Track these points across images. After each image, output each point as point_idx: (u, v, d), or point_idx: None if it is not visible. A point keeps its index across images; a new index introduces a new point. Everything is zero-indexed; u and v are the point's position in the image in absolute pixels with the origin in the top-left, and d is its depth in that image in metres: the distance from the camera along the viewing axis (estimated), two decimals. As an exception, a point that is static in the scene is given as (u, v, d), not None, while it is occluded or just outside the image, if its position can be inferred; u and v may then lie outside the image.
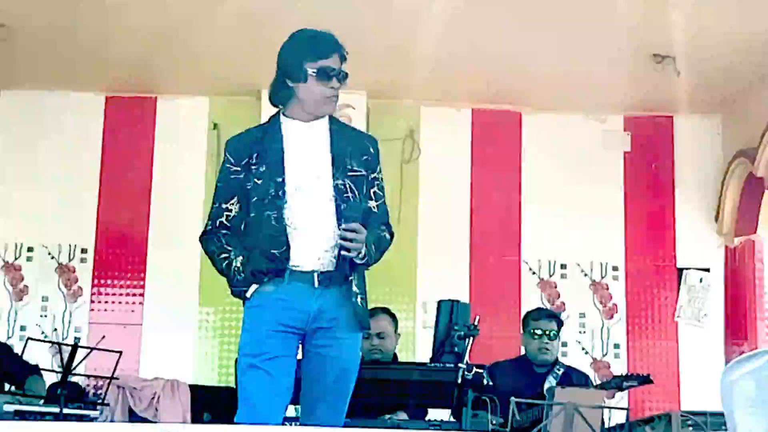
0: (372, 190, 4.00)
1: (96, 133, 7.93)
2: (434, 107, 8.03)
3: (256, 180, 3.89)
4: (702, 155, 8.07)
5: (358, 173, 3.95)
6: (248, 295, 3.89)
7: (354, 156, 3.97)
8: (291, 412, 4.46)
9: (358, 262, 3.87)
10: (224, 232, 3.98)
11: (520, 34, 6.75)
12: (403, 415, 5.72)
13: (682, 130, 8.14)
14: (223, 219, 3.98)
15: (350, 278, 3.88)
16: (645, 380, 6.03)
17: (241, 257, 3.91)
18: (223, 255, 3.95)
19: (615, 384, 6.02)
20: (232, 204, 3.96)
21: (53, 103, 7.88)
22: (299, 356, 3.95)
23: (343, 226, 3.81)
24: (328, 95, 3.93)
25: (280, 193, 3.86)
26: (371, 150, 4.03)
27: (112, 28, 6.75)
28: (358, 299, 3.92)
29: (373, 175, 4.01)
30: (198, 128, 7.93)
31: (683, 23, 6.50)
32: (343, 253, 3.82)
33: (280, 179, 3.87)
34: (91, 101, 7.93)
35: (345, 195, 3.89)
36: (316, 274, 3.86)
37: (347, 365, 3.93)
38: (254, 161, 3.92)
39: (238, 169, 3.94)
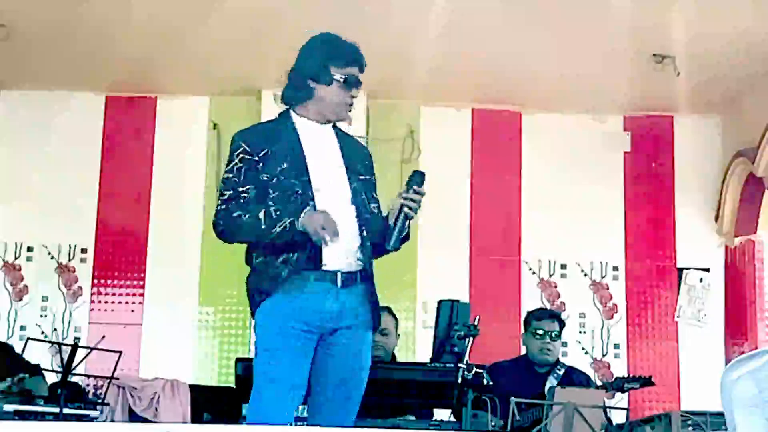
0: (372, 194, 4.07)
1: (96, 133, 7.93)
2: (434, 107, 8.03)
3: (279, 176, 3.88)
4: (702, 155, 8.07)
5: (365, 178, 4.02)
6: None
7: (359, 161, 4.05)
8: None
9: (391, 247, 3.93)
10: (239, 213, 3.87)
11: (520, 34, 6.75)
12: (410, 417, 5.72)
13: (682, 130, 8.14)
14: (240, 200, 3.89)
15: (371, 276, 3.93)
16: (647, 382, 6.03)
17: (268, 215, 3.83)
18: (251, 218, 3.83)
19: (617, 385, 6.03)
20: (246, 189, 3.90)
21: (53, 103, 7.88)
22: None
23: (414, 188, 3.86)
24: (348, 102, 4.00)
25: (309, 192, 3.87)
26: (370, 157, 4.14)
27: (112, 28, 6.75)
28: (377, 298, 3.97)
29: (372, 180, 4.09)
30: (198, 128, 7.93)
31: (683, 23, 6.50)
32: (405, 211, 3.86)
33: (306, 178, 3.89)
34: (91, 101, 7.93)
35: (360, 197, 3.97)
36: (339, 274, 3.87)
37: (361, 365, 3.94)
38: (272, 155, 3.90)
39: (256, 159, 3.90)
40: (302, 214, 3.79)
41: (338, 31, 4.08)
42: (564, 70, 7.28)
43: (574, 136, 8.07)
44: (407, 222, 3.91)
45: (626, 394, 7.30)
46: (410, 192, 3.87)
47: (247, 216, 3.85)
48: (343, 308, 3.87)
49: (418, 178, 3.91)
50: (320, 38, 4.05)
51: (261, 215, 3.82)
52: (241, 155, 3.93)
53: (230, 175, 3.93)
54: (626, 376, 6.28)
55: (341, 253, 3.87)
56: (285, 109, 4.06)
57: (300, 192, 3.86)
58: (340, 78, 3.95)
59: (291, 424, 3.93)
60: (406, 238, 4.01)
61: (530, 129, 8.11)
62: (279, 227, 3.81)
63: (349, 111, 4.05)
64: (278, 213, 3.81)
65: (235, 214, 3.87)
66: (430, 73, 7.26)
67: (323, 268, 3.85)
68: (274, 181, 3.87)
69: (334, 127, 4.07)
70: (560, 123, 8.07)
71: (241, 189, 3.90)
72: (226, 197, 3.92)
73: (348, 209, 3.93)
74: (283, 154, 3.90)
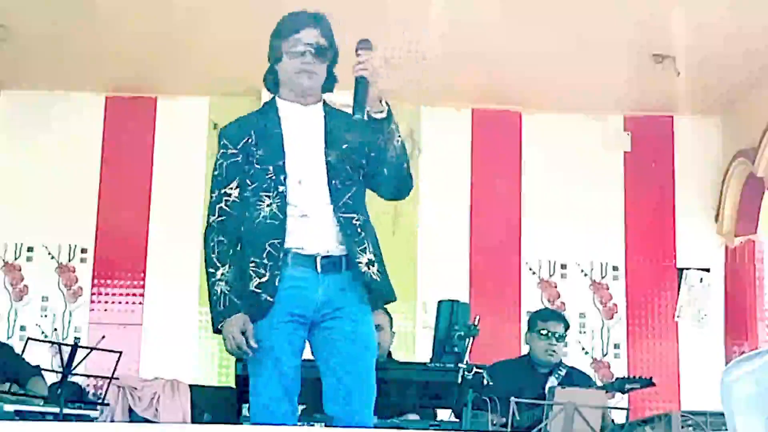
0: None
1: (96, 133, 7.93)
2: (434, 107, 8.03)
3: (255, 165, 3.81)
4: (702, 155, 8.08)
5: (355, 146, 3.87)
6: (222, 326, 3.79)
7: (348, 137, 3.88)
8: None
9: (377, 115, 3.80)
10: (223, 218, 3.85)
11: (520, 34, 6.75)
12: (411, 417, 5.71)
13: (682, 130, 8.14)
14: (223, 204, 3.87)
15: (357, 260, 3.77)
16: (647, 383, 6.03)
17: (225, 284, 3.76)
18: (211, 269, 3.81)
19: (617, 386, 6.03)
20: (231, 189, 3.86)
21: (53, 103, 7.88)
22: (308, 352, 3.85)
23: (358, 52, 3.77)
24: (299, 69, 3.86)
25: (282, 178, 3.77)
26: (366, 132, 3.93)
27: (112, 28, 6.75)
28: (372, 275, 3.81)
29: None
30: (198, 128, 7.93)
31: (683, 23, 6.50)
32: (361, 74, 3.74)
33: (281, 162, 3.80)
34: (91, 101, 7.93)
35: (340, 173, 3.82)
36: (318, 258, 3.76)
37: (364, 346, 3.78)
38: (253, 145, 3.84)
39: (235, 152, 3.86)
40: (224, 321, 3.75)
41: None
42: (564, 70, 7.28)
43: (574, 136, 8.07)
44: (367, 89, 3.76)
45: (626, 394, 7.30)
46: (357, 58, 3.76)
47: (210, 263, 3.81)
48: (327, 294, 3.75)
49: (360, 44, 3.79)
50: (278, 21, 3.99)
51: (210, 281, 3.78)
52: (222, 151, 3.91)
53: (217, 173, 3.92)
54: (627, 377, 6.29)
55: (318, 236, 3.77)
56: (272, 96, 4.00)
57: (273, 177, 3.78)
58: (286, 49, 3.88)
59: (295, 422, 3.83)
60: (404, 180, 3.94)
61: (530, 129, 8.11)
62: (218, 300, 3.77)
63: (307, 78, 3.87)
64: (227, 293, 3.74)
65: (207, 250, 3.83)
66: (430, 73, 7.26)
67: (301, 252, 3.75)
68: (251, 172, 3.81)
69: (326, 105, 3.96)
70: (560, 123, 8.06)
71: (224, 189, 3.87)
72: (213, 200, 3.90)
73: (324, 190, 3.80)
74: (263, 140, 3.84)
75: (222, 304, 3.78)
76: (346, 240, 3.79)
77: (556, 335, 6.18)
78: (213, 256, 3.82)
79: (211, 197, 3.94)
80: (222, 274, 3.79)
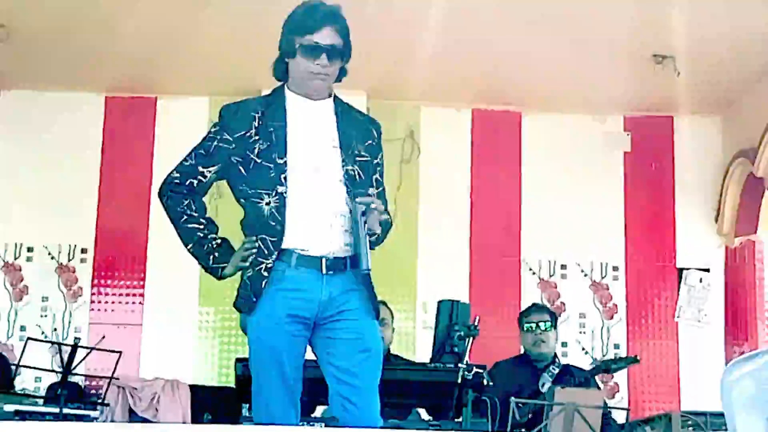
0: (374, 177, 3.81)
1: (96, 133, 7.93)
2: (434, 107, 8.03)
3: (256, 159, 3.71)
4: (702, 155, 8.08)
5: (365, 158, 3.78)
6: (228, 272, 3.77)
7: (360, 140, 3.79)
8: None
9: (369, 238, 3.65)
10: (193, 195, 3.82)
11: (520, 34, 6.75)
12: (424, 415, 5.72)
13: (682, 130, 8.14)
14: (195, 181, 3.81)
15: (361, 263, 3.66)
16: (632, 361, 6.14)
17: (216, 237, 3.78)
18: (193, 225, 3.80)
19: (604, 367, 6.10)
20: (209, 171, 3.80)
21: (53, 103, 7.88)
22: (309, 351, 3.79)
23: (359, 199, 3.62)
24: (314, 71, 3.73)
25: (282, 177, 3.67)
26: (375, 134, 3.87)
27: (112, 28, 6.75)
28: (370, 284, 3.74)
29: (375, 161, 3.83)
30: (198, 128, 7.86)
31: (683, 23, 6.50)
32: (366, 227, 3.61)
33: (283, 160, 3.69)
34: (91, 101, 7.93)
35: (354, 179, 3.71)
36: (323, 260, 3.66)
37: (367, 347, 3.69)
38: (253, 140, 3.74)
39: (230, 139, 3.77)
40: (227, 263, 3.77)
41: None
42: (564, 70, 7.28)
43: (574, 136, 8.07)
44: (370, 230, 3.65)
45: (626, 393, 7.34)
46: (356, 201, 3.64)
47: (183, 222, 3.83)
48: (331, 295, 3.66)
49: (358, 190, 3.66)
50: (293, 10, 3.82)
51: (194, 237, 3.80)
52: (217, 129, 3.83)
53: (203, 147, 3.83)
54: (613, 357, 6.36)
55: (325, 238, 3.67)
56: (281, 84, 3.88)
57: (273, 175, 3.67)
58: (299, 47, 3.72)
59: (298, 422, 3.75)
60: (378, 240, 3.77)
61: (530, 129, 8.11)
62: (212, 262, 3.78)
63: (323, 81, 3.75)
64: (220, 245, 3.78)
65: (177, 209, 3.83)
66: (430, 73, 7.27)
67: (306, 253, 3.66)
68: (251, 165, 3.71)
69: (337, 101, 3.85)
70: (560, 123, 8.07)
71: (202, 168, 3.81)
72: (185, 167, 3.84)
73: (335, 191, 3.70)
74: (266, 134, 3.73)
75: (219, 252, 3.78)
76: (355, 241, 3.67)
77: (542, 326, 6.22)
78: (193, 213, 3.82)
79: (185, 162, 3.86)
80: (212, 234, 3.81)
